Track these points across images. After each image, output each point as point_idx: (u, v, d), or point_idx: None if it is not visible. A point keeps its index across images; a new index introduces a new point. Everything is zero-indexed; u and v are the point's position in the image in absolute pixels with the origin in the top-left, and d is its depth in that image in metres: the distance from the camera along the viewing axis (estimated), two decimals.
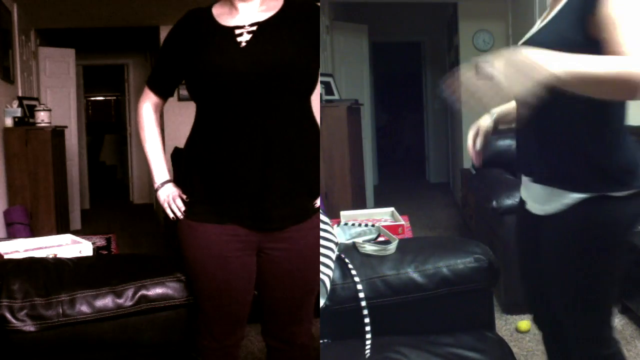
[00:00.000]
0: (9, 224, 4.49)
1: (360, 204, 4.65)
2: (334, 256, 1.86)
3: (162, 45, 1.82)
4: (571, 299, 1.59)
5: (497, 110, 1.73)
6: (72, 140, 6.54)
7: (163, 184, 1.80)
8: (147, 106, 1.91)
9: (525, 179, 1.67)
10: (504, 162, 4.03)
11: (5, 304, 1.74)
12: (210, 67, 1.62)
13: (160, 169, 1.83)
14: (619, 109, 1.44)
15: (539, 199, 1.60)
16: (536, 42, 1.43)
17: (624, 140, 1.47)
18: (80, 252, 2.55)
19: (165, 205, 1.78)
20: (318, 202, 1.74)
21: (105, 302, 1.81)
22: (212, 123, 1.65)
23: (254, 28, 1.65)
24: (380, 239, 2.24)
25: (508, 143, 4.05)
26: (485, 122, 1.73)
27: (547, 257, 1.61)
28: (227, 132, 1.63)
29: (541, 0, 4.81)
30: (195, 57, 1.65)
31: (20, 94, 5.38)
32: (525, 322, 3.10)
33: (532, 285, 1.80)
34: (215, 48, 1.64)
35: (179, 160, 1.82)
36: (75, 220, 6.44)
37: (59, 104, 6.43)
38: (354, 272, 1.84)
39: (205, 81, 1.63)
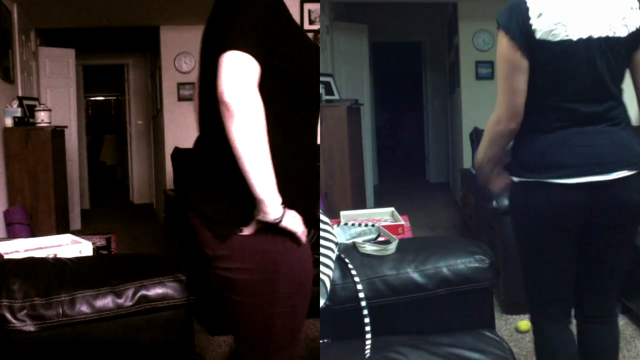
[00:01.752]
0: (9, 224, 4.49)
1: (360, 204, 4.65)
2: (334, 256, 1.86)
3: (270, 6, 1.43)
4: None
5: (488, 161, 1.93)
6: (72, 140, 6.55)
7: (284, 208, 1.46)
8: (256, 90, 1.36)
9: None
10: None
11: (5, 304, 1.74)
12: (316, 63, 1.53)
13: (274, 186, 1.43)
14: (525, 123, 1.74)
15: None
16: None
17: (531, 140, 1.75)
18: (80, 252, 2.55)
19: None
20: None
21: (105, 302, 1.81)
22: (293, 120, 1.54)
23: None
24: (380, 239, 2.23)
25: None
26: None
27: None
28: (307, 128, 1.58)
29: None
30: (302, 47, 1.52)
31: (20, 94, 5.38)
32: (525, 322, 3.09)
33: None
34: (311, 42, 1.56)
35: (180, 162, 1.78)
36: (75, 220, 6.45)
37: (59, 104, 6.44)
38: (354, 272, 1.84)
39: (309, 78, 1.52)
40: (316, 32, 4.88)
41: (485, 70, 6.43)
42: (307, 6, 4.88)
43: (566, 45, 1.64)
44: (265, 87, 1.41)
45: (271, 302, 1.52)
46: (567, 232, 1.79)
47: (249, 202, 1.44)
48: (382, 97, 11.24)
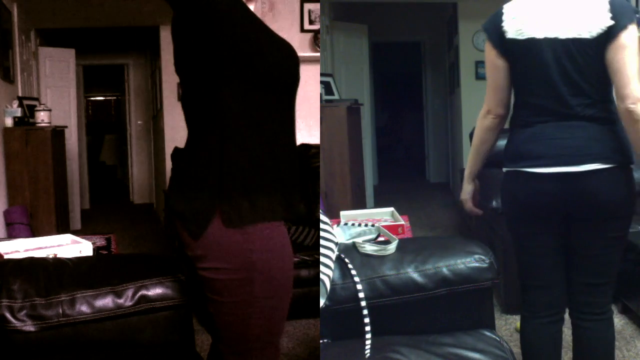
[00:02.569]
0: (9, 224, 4.49)
1: (360, 204, 4.65)
2: (333, 256, 1.86)
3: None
4: None
5: (470, 175, 2.15)
6: (72, 140, 6.55)
7: None
8: None
9: None
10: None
11: (5, 304, 1.74)
12: (273, 54, 1.53)
13: None
14: (512, 118, 1.95)
15: None
16: None
17: (514, 134, 1.92)
18: (80, 252, 2.55)
19: None
20: None
21: (105, 302, 1.81)
22: (267, 114, 1.53)
23: None
24: (380, 239, 2.23)
25: None
26: (468, 189, 2.16)
27: None
28: (288, 121, 1.58)
29: None
30: (250, 37, 1.49)
31: (20, 94, 5.38)
32: None
33: None
34: (266, 33, 1.55)
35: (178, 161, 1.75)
36: (75, 220, 6.45)
37: (59, 104, 6.44)
38: (353, 272, 1.84)
39: (267, 69, 1.51)
40: (316, 32, 4.88)
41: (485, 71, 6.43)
42: (307, 6, 4.88)
43: (532, 43, 1.80)
44: (218, 77, 1.45)
45: (248, 302, 1.51)
46: (546, 222, 1.89)
47: (215, 195, 1.45)
48: (382, 97, 11.24)
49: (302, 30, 4.89)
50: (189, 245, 1.52)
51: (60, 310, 1.76)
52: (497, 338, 1.86)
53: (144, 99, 8.58)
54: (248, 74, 1.47)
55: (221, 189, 1.46)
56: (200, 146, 1.50)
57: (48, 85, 6.49)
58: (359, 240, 2.06)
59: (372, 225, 2.32)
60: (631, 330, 3.05)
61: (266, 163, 1.50)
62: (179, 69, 1.56)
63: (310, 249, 3.48)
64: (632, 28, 1.71)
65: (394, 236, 2.07)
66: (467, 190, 2.16)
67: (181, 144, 1.73)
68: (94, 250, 2.75)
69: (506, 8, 1.84)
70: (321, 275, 1.77)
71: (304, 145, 4.24)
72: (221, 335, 1.61)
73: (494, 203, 3.26)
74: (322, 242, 1.83)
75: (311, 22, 4.88)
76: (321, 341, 1.85)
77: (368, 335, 1.75)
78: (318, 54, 4.76)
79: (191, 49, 1.47)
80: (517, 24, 1.81)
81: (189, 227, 1.49)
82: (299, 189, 1.61)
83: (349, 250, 1.98)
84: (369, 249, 1.94)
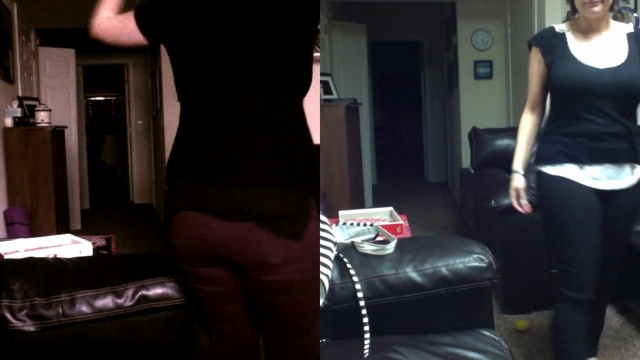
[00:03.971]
0: (9, 224, 4.50)
1: (358, 203, 4.65)
2: (332, 256, 1.87)
3: None
4: (623, 253, 2.32)
5: (519, 167, 2.23)
6: (72, 140, 6.55)
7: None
8: None
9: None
10: (502, 162, 4.03)
11: (5, 304, 1.75)
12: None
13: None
14: None
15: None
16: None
17: None
18: (80, 252, 2.55)
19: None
20: None
21: (105, 302, 1.81)
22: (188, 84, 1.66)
23: None
24: (379, 238, 2.24)
25: (506, 143, 4.04)
26: (519, 182, 2.24)
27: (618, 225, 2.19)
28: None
29: (540, 0, 4.81)
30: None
31: (20, 94, 5.39)
32: (524, 322, 3.10)
33: (591, 258, 2.08)
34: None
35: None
36: (75, 220, 6.45)
37: (59, 104, 6.44)
38: (352, 271, 1.84)
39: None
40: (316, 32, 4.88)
41: (484, 70, 6.42)
42: None
43: None
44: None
45: (315, 295, 1.53)
46: None
47: (313, 191, 1.48)
48: (380, 97, 11.23)
49: None
50: (278, 252, 1.43)
51: (60, 310, 1.77)
52: (496, 338, 1.86)
53: (144, 99, 8.58)
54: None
55: (315, 184, 1.50)
56: (299, 145, 1.50)
57: (48, 85, 6.50)
58: (357, 239, 2.06)
59: (371, 225, 2.32)
60: (629, 329, 3.05)
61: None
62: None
63: None
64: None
65: (392, 236, 2.08)
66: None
67: None
68: (94, 250, 2.75)
69: None
70: (320, 275, 1.78)
71: None
72: (287, 329, 1.60)
73: (492, 202, 3.26)
74: (321, 241, 1.84)
75: None
76: (320, 341, 1.85)
77: (367, 335, 1.76)
78: (318, 54, 4.77)
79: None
80: None
81: (288, 229, 1.42)
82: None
83: (348, 249, 1.98)
84: (368, 248, 1.95)
